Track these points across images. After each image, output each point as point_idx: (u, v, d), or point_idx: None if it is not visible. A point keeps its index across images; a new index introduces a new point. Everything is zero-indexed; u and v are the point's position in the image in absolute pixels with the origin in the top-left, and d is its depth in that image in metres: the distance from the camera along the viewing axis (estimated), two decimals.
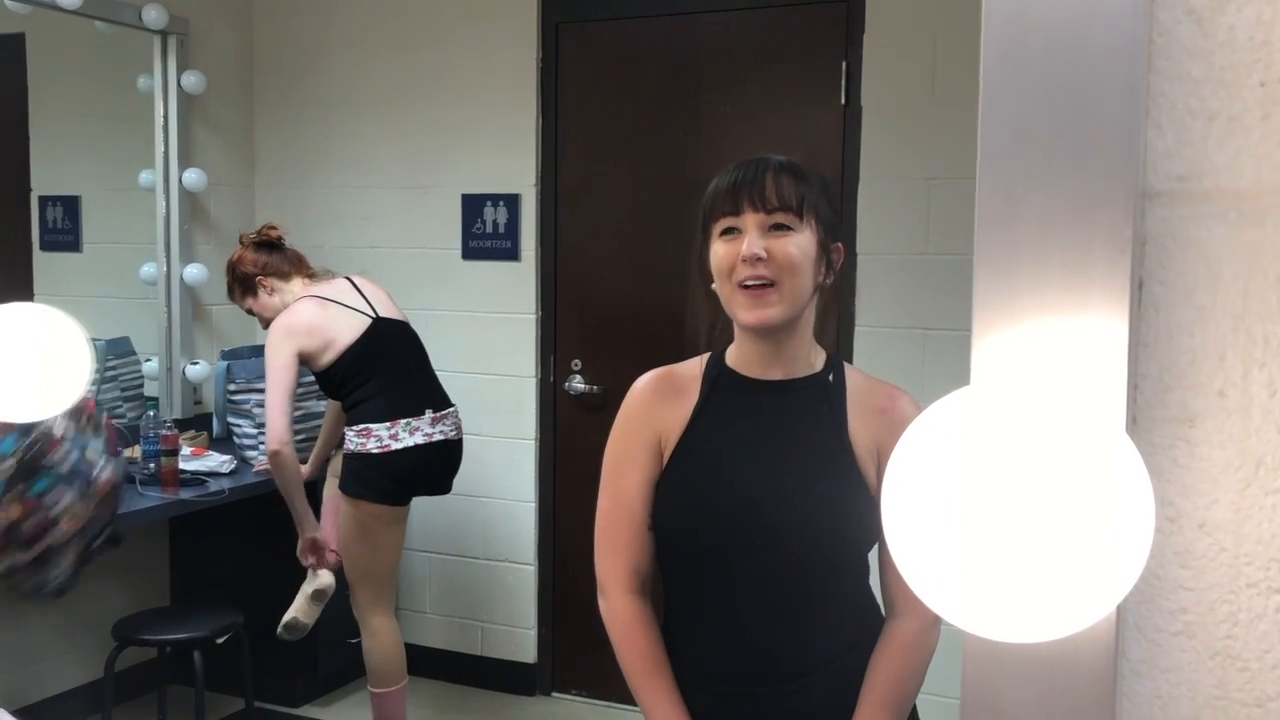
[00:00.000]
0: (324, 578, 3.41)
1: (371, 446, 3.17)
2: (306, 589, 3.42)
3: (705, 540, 1.58)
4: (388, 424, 3.18)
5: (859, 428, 1.57)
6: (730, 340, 1.63)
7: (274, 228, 3.41)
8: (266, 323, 3.36)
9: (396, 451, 3.18)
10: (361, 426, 3.18)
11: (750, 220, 1.50)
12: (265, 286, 3.31)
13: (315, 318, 3.22)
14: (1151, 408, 0.66)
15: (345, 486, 3.22)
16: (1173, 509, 0.66)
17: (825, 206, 1.56)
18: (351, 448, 3.20)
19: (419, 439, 3.21)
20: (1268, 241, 0.64)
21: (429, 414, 3.25)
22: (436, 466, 3.31)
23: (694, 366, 1.65)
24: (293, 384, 3.16)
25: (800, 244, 1.50)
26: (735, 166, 1.56)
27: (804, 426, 1.58)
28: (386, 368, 3.25)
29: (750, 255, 1.48)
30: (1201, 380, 0.65)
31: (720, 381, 1.62)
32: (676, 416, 1.61)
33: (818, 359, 1.61)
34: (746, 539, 1.55)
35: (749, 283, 1.49)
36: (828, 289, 1.58)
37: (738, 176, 1.53)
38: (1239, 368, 0.64)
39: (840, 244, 1.59)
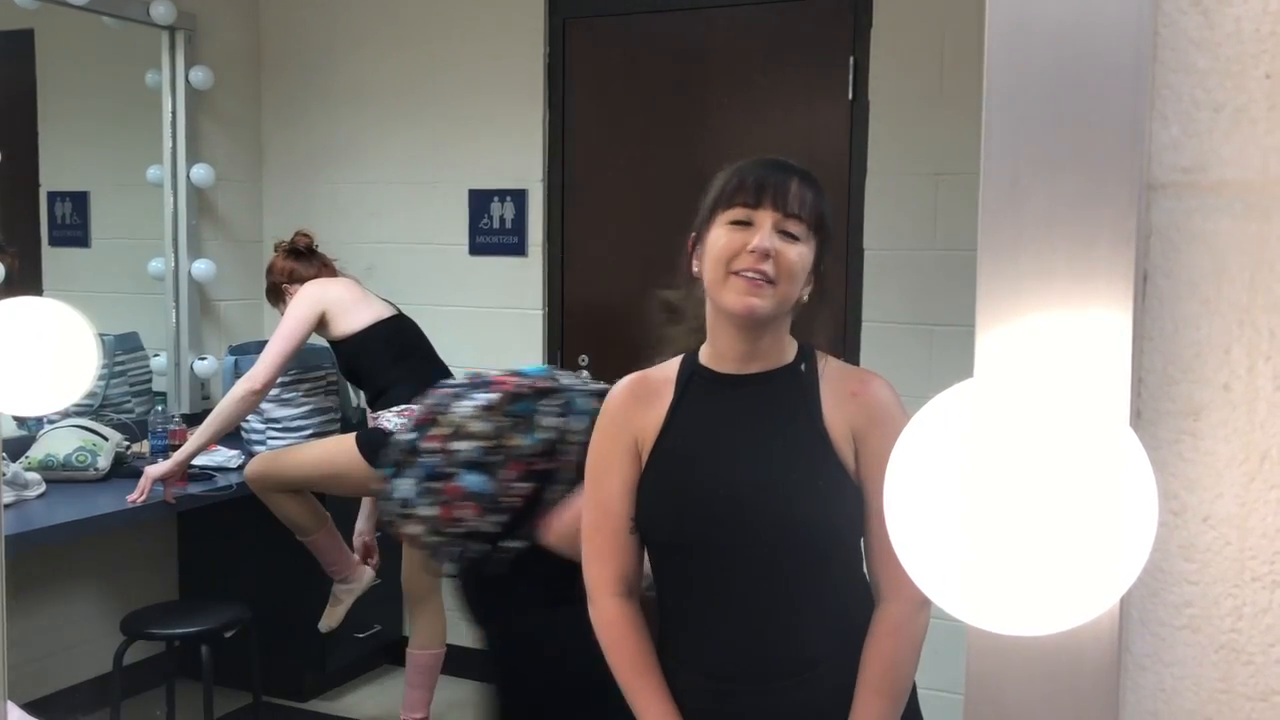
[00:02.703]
0: (368, 577, 3.59)
1: None
2: (349, 598, 3.56)
3: (687, 537, 1.59)
4: None
5: (833, 413, 1.57)
6: (703, 340, 1.64)
7: (306, 235, 3.51)
8: None
9: None
10: (403, 407, 3.22)
11: (766, 217, 1.51)
12: (290, 293, 3.40)
13: (349, 288, 3.36)
14: (1156, 401, 0.66)
15: (368, 451, 3.23)
16: (1177, 502, 0.66)
17: (828, 230, 1.59)
18: (390, 428, 3.22)
19: None
20: (1274, 233, 0.63)
21: None
22: None
23: (668, 368, 1.66)
24: (300, 340, 3.26)
25: (802, 255, 1.53)
26: (756, 163, 1.57)
27: (778, 417, 1.59)
28: (415, 354, 3.37)
29: (762, 248, 1.49)
30: (1207, 373, 0.65)
31: (694, 380, 1.63)
32: (652, 418, 1.62)
33: (790, 351, 1.62)
34: (727, 533, 1.56)
35: (749, 274, 1.50)
36: (802, 305, 1.59)
37: (765, 173, 1.54)
38: (1244, 361, 0.64)
39: (824, 270, 1.60)
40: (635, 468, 1.63)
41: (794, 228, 1.52)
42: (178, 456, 3.27)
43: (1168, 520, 0.66)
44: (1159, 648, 0.66)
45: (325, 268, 3.48)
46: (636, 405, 1.64)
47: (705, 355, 1.63)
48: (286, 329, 3.23)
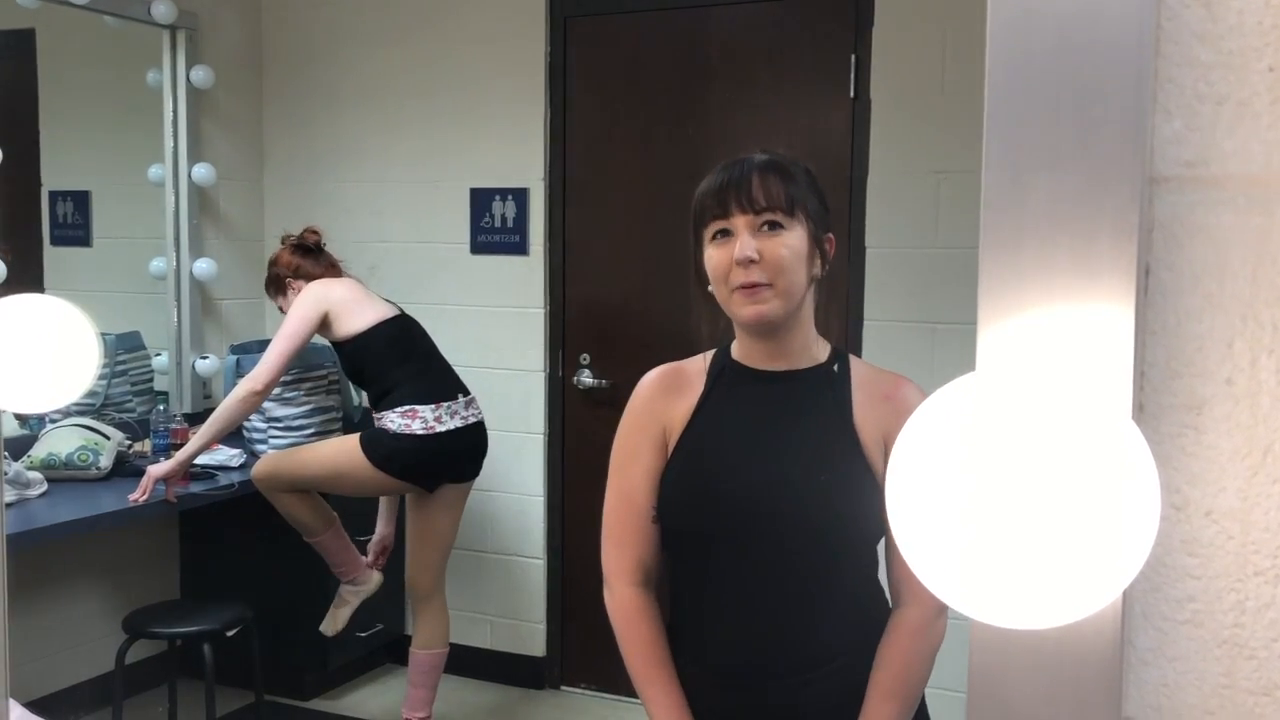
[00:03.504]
0: (375, 580, 3.59)
1: (417, 428, 3.23)
2: (355, 600, 3.56)
3: (707, 529, 1.59)
4: (432, 406, 3.25)
5: (865, 415, 1.57)
6: (734, 335, 1.64)
7: (315, 232, 3.49)
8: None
9: (440, 434, 3.26)
10: (406, 408, 3.23)
11: (740, 222, 1.52)
12: (294, 288, 3.39)
13: (352, 288, 3.34)
14: (1159, 395, 0.66)
15: (366, 445, 3.25)
16: (1180, 497, 0.65)
17: (813, 200, 1.57)
18: (393, 428, 3.24)
19: (458, 423, 3.30)
20: (1276, 227, 0.63)
21: (461, 398, 3.35)
22: (470, 449, 3.40)
23: (699, 361, 1.67)
24: (303, 341, 3.25)
25: (791, 243, 1.52)
26: (720, 169, 1.57)
27: (808, 415, 1.59)
28: (419, 354, 3.36)
29: (743, 258, 1.50)
30: (1209, 367, 0.65)
31: (725, 374, 1.63)
32: (681, 409, 1.63)
33: (822, 351, 1.62)
34: (748, 527, 1.56)
35: (743, 284, 1.51)
36: (823, 280, 1.59)
37: (724, 179, 1.54)
38: (1247, 355, 0.64)
39: (831, 235, 1.61)
40: (660, 457, 1.63)
41: (773, 217, 1.52)
42: (179, 456, 3.26)
43: (1170, 515, 0.65)
44: (1161, 642, 0.66)
45: (331, 268, 3.46)
46: (666, 395, 1.65)
47: (736, 350, 1.64)
48: (290, 329, 3.22)
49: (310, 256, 3.45)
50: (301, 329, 3.22)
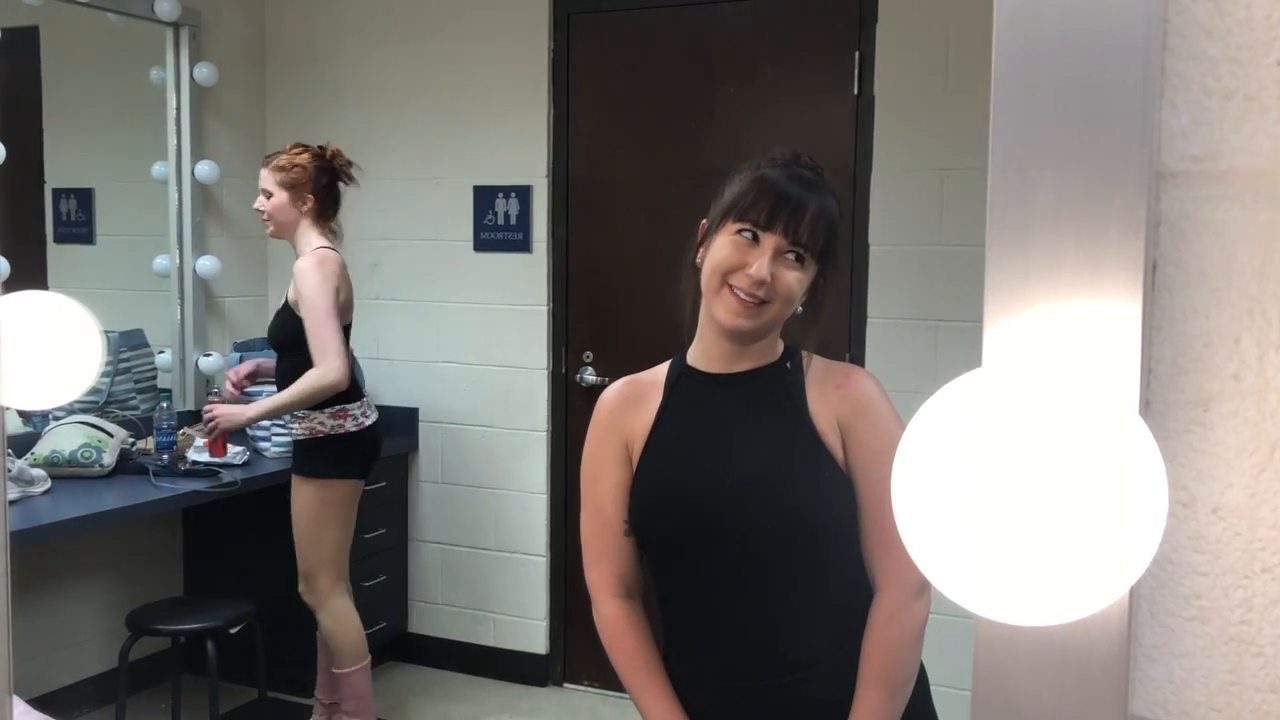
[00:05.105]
0: None
1: (349, 426, 3.26)
2: None
3: (680, 536, 1.60)
4: (358, 403, 3.29)
5: (819, 405, 1.58)
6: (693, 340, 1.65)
7: (350, 172, 3.32)
8: (265, 217, 3.27)
9: (368, 428, 3.31)
10: (336, 408, 3.23)
11: (772, 241, 1.52)
12: (303, 203, 3.22)
13: (345, 277, 3.26)
14: (1165, 391, 0.65)
15: (318, 470, 3.24)
16: (1186, 493, 0.65)
17: (836, 254, 1.59)
18: (325, 430, 3.23)
19: (375, 416, 3.37)
20: None
21: (366, 395, 3.40)
22: (382, 441, 3.46)
23: (657, 372, 1.69)
24: (337, 315, 3.16)
25: (801, 280, 1.54)
26: (778, 177, 1.55)
27: (765, 412, 1.60)
28: (348, 353, 3.34)
29: (759, 277, 1.50)
30: (1216, 363, 0.65)
31: (681, 381, 1.65)
32: (642, 420, 1.64)
33: (776, 349, 1.63)
34: (719, 529, 1.56)
35: (742, 294, 1.51)
36: (797, 315, 1.60)
37: (781, 192, 1.53)
38: (1254, 350, 0.64)
39: (822, 286, 1.61)
40: (627, 471, 1.64)
41: (802, 252, 1.53)
42: (251, 411, 3.28)
43: (1177, 511, 0.65)
44: (1168, 639, 0.66)
45: (331, 214, 3.30)
46: (626, 408, 1.66)
47: (693, 355, 1.65)
48: (322, 315, 3.10)
49: (330, 189, 3.27)
50: (333, 315, 3.12)
